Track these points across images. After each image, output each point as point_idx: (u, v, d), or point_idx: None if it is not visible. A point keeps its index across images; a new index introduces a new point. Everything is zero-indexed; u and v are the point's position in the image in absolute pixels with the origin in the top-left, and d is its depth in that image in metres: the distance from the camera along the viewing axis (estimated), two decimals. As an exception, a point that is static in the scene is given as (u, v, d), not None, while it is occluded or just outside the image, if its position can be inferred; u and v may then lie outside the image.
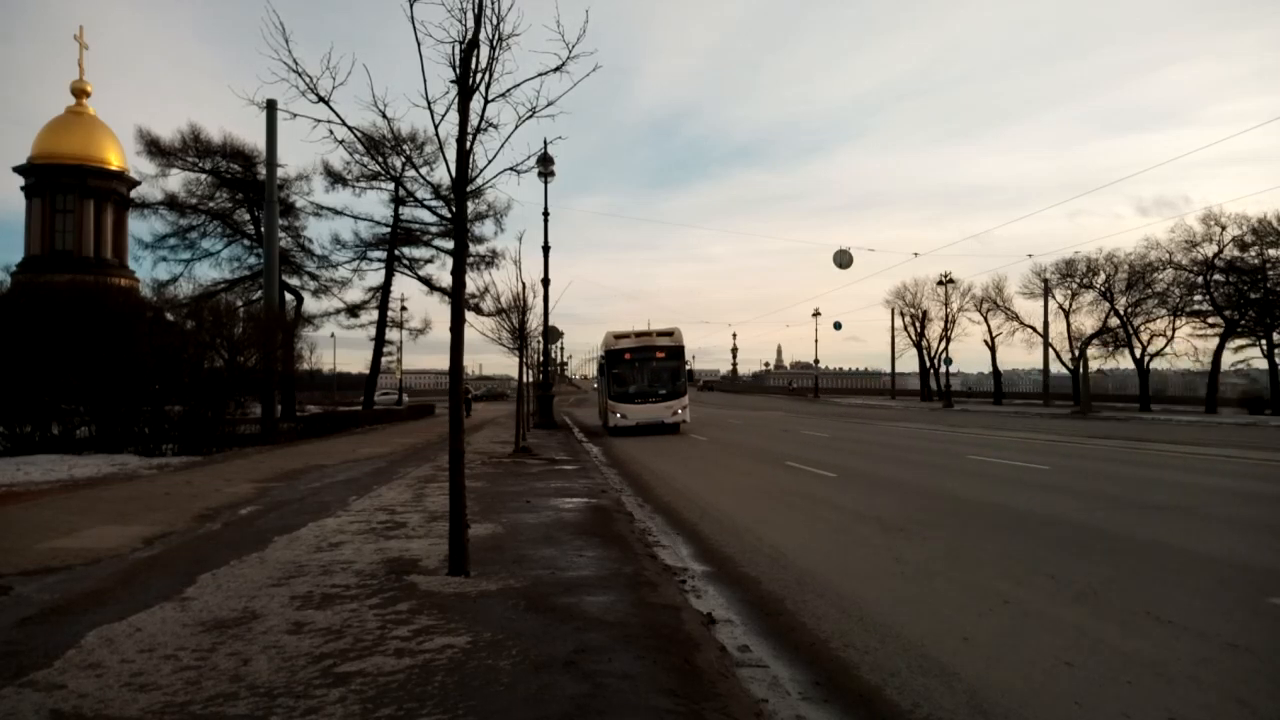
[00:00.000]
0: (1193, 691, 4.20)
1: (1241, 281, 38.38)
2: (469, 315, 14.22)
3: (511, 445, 19.15)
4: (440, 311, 49.59)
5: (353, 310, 36.32)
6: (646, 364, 27.00)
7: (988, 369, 57.39)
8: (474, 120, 5.87)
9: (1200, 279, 39.66)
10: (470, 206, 6.87)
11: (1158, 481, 12.69)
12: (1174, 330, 41.79)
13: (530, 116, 5.93)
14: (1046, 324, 47.94)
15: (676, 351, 27.32)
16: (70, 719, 3.64)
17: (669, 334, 27.60)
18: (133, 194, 40.46)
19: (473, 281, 23.79)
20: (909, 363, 71.60)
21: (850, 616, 5.71)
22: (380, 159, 14.80)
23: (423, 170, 27.15)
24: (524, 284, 17.76)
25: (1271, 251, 37.60)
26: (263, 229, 26.78)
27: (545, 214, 28.75)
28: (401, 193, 32.39)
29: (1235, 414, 36.28)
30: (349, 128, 6.04)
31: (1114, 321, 43.60)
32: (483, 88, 5.81)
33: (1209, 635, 5.07)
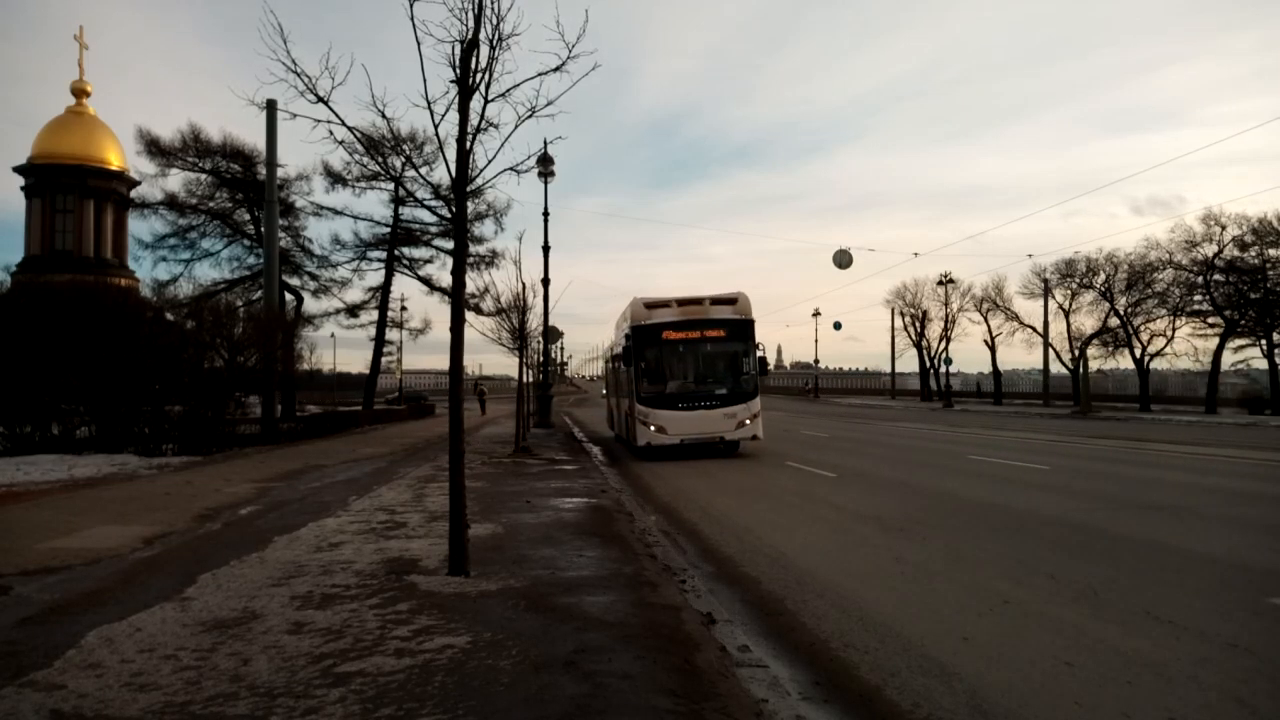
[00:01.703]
0: (1193, 691, 4.20)
1: (1241, 281, 38.34)
2: (469, 315, 14.23)
3: (511, 445, 19.14)
4: (440, 311, 49.68)
5: (353, 310, 36.34)
6: (697, 348, 18.21)
7: (988, 369, 57.37)
8: (474, 120, 5.87)
9: (1200, 279, 39.63)
10: (470, 206, 6.87)
11: (1158, 481, 12.69)
12: (1174, 330, 41.76)
13: (530, 116, 5.94)
14: (1046, 324, 47.95)
15: (742, 328, 18.04)
16: (70, 719, 3.64)
17: (730, 301, 18.20)
18: (133, 194, 40.46)
19: (473, 281, 23.70)
20: (909, 363, 71.48)
21: (850, 616, 5.71)
22: (380, 159, 14.77)
23: (423, 170, 27.16)
24: (524, 284, 17.67)
25: (1271, 251, 37.54)
26: (263, 229, 26.78)
27: (545, 214, 28.74)
28: (401, 193, 32.39)
29: (1235, 414, 36.27)
30: (349, 128, 6.05)
31: (1114, 321, 43.56)
32: (483, 88, 5.82)
33: (1209, 635, 5.07)
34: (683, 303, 18.19)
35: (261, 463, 16.16)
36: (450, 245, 23.32)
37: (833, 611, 5.84)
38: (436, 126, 5.88)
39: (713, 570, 7.39)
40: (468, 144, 5.88)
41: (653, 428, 17.47)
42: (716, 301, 18.15)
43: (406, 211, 34.23)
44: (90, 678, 4.10)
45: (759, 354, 18.13)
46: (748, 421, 17.67)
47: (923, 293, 59.82)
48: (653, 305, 18.22)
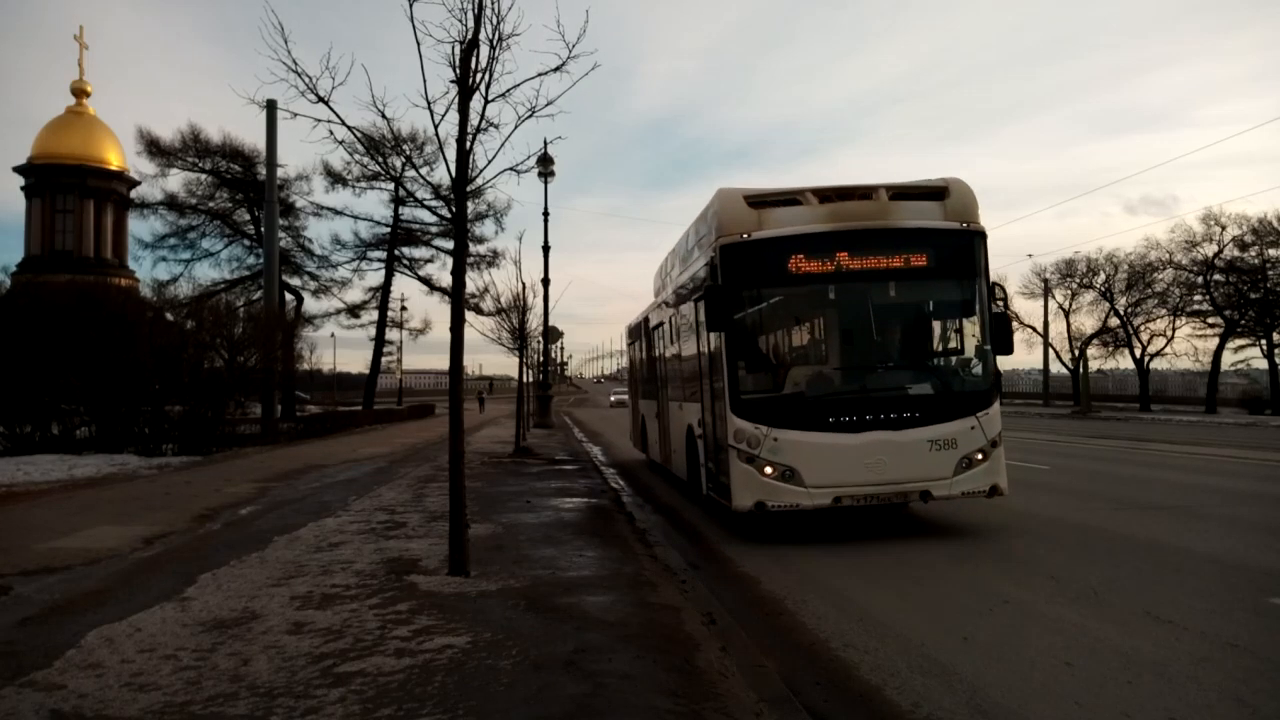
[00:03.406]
0: (1193, 691, 4.20)
1: (1241, 281, 38.37)
2: (469, 315, 14.19)
3: (511, 445, 19.15)
4: (440, 311, 49.71)
5: (353, 310, 36.48)
6: (864, 293, 8.62)
7: (988, 369, 57.31)
8: (474, 120, 5.87)
9: (1200, 279, 39.67)
10: (470, 206, 6.88)
11: (1158, 481, 12.69)
12: (1174, 330, 41.81)
13: (530, 116, 5.95)
14: (1046, 324, 47.95)
15: (961, 250, 8.54)
16: (70, 719, 3.64)
17: (932, 194, 8.67)
18: (133, 194, 40.54)
19: (473, 281, 23.59)
20: (909, 363, 71.41)
21: (850, 616, 5.70)
22: (380, 159, 14.78)
23: (423, 170, 27.22)
24: (524, 284, 17.63)
25: (1271, 251, 37.60)
26: (263, 229, 26.82)
27: (545, 214, 28.76)
28: (401, 193, 32.49)
29: (1235, 414, 36.28)
30: (349, 128, 6.06)
31: (1114, 321, 43.60)
32: (483, 88, 5.83)
33: (1209, 635, 5.07)
34: (829, 196, 8.66)
35: (261, 463, 16.16)
36: (450, 245, 23.30)
37: (832, 611, 5.84)
38: (436, 126, 5.89)
39: (713, 570, 7.39)
40: (468, 144, 5.88)
41: (769, 470, 7.97)
42: (902, 195, 8.68)
43: (406, 211, 34.34)
44: (90, 678, 4.10)
45: (998, 306, 8.63)
46: (979, 456, 8.19)
47: (923, 293, 59.73)
48: (765, 202, 8.61)
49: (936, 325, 9.25)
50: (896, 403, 8.22)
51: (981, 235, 8.57)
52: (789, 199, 8.71)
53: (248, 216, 33.69)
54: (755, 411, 8.14)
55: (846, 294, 8.67)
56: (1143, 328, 42.98)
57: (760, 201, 8.59)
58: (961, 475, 8.17)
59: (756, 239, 8.30)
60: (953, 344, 9.03)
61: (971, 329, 8.82)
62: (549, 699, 3.76)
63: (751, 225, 8.37)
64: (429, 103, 5.82)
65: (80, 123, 43.91)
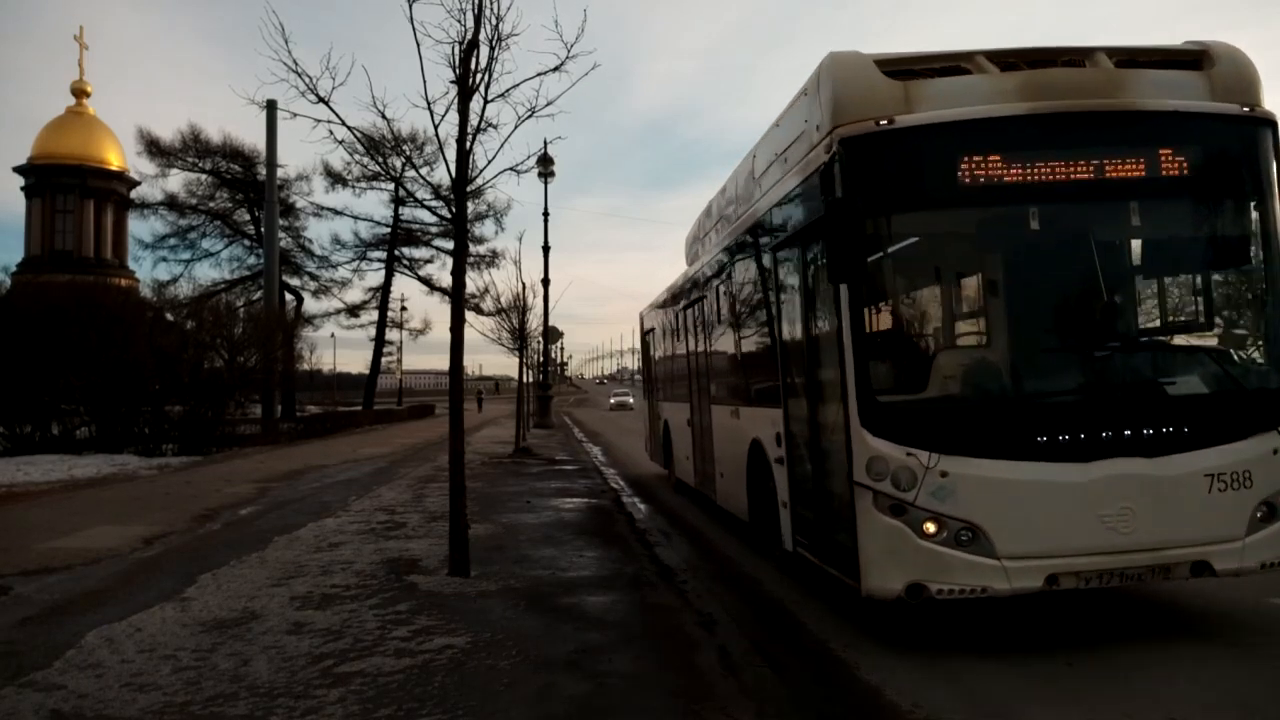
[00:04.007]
0: (1193, 691, 4.21)
1: (1241, 281, 38.45)
2: (469, 315, 14.16)
3: (511, 445, 19.15)
4: (440, 311, 49.71)
5: (353, 310, 36.56)
6: (1083, 214, 5.02)
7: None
8: (474, 120, 5.88)
9: (1200, 279, 39.74)
10: (470, 206, 6.89)
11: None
12: (1174, 330, 41.84)
13: (530, 116, 5.96)
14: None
15: (1234, 154, 5.07)
16: (70, 719, 3.64)
17: (1184, 61, 5.19)
18: (133, 194, 40.58)
19: (473, 281, 23.51)
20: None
21: (849, 617, 5.70)
22: (380, 159, 14.77)
23: (423, 170, 27.16)
24: (524, 284, 17.63)
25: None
26: (263, 229, 26.87)
27: (545, 214, 28.75)
28: (401, 193, 32.53)
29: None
30: (349, 128, 6.08)
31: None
32: (482, 88, 5.84)
33: (1208, 635, 5.07)
34: (1013, 62, 5.22)
35: (261, 463, 16.16)
36: (450, 245, 23.30)
37: (831, 613, 5.84)
38: (436, 127, 5.90)
39: (714, 570, 7.38)
40: (468, 144, 5.89)
41: (933, 528, 4.52)
42: (1135, 60, 5.26)
43: (406, 212, 34.41)
44: (90, 678, 4.10)
45: None
46: None
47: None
48: (913, 71, 5.16)
49: (1205, 277, 5.46)
50: (1150, 410, 4.85)
51: (1272, 126, 5.11)
52: (951, 65, 5.28)
53: (248, 216, 33.78)
54: (905, 425, 4.72)
55: (1059, 223, 5.07)
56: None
57: (904, 70, 5.18)
58: (1260, 533, 4.77)
59: (906, 127, 4.90)
60: (1233, 309, 5.62)
61: (1259, 285, 5.27)
62: (549, 699, 3.77)
63: (893, 105, 4.99)
64: (429, 103, 5.84)
65: (80, 123, 43.90)
